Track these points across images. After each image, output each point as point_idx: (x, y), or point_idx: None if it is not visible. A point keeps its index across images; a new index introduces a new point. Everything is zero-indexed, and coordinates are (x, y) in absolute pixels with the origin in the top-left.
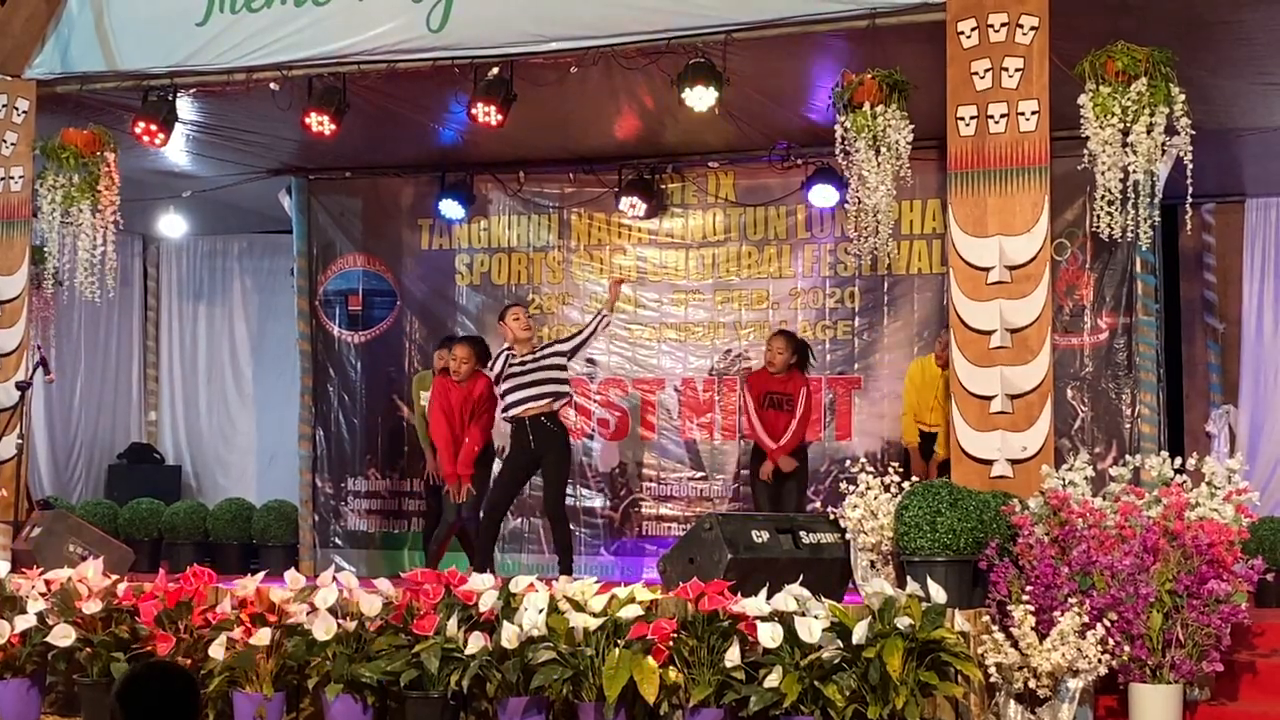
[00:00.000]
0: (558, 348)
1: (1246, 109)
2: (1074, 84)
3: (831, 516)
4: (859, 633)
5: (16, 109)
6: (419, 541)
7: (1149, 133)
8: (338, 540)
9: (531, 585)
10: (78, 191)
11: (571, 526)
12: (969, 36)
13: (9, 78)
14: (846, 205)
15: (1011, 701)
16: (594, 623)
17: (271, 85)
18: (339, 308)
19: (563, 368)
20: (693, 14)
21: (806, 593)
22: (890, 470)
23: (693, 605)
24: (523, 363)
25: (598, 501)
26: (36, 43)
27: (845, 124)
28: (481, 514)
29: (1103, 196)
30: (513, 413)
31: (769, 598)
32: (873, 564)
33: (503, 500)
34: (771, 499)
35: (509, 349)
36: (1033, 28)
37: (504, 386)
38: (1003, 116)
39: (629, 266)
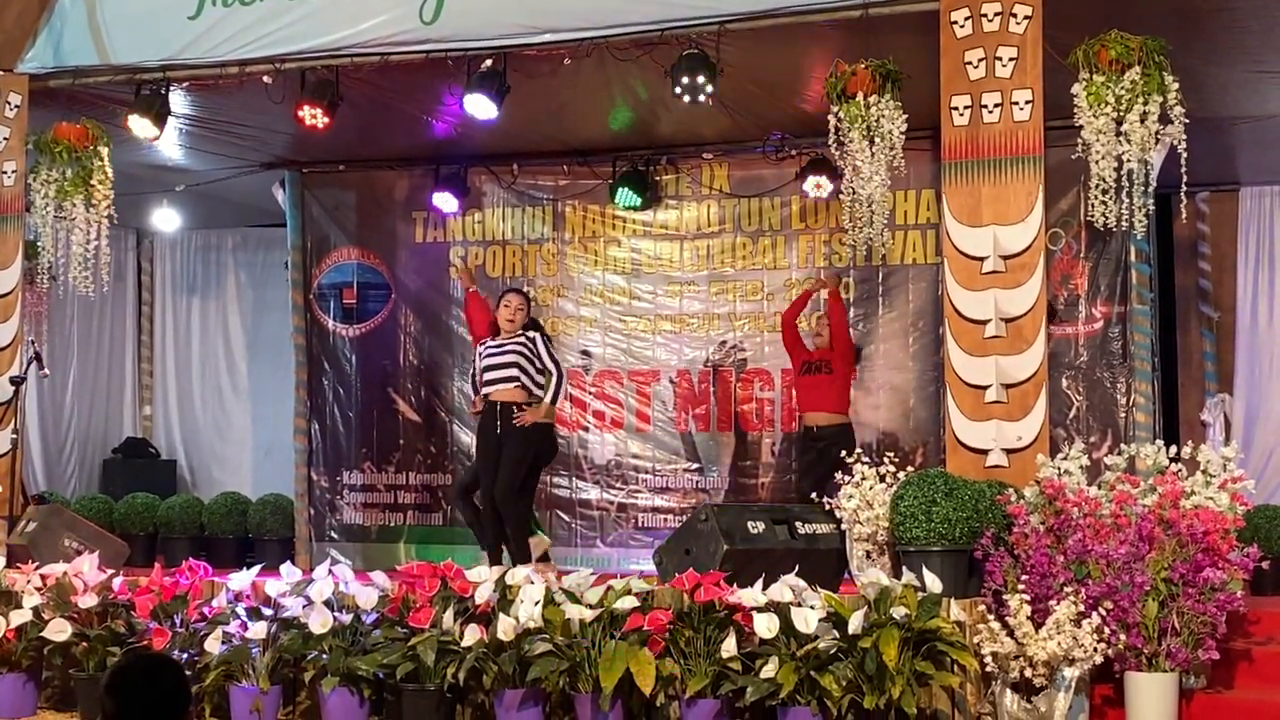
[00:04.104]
0: (532, 341)
1: (1240, 97)
2: (1068, 73)
3: (827, 507)
4: (855, 623)
5: (9, 103)
6: (414, 535)
7: (1143, 121)
8: (333, 534)
9: (528, 577)
10: (71, 186)
11: (567, 518)
12: (962, 26)
13: (1, 72)
14: (841, 196)
15: (1007, 690)
16: (590, 614)
17: (264, 78)
18: (333, 301)
19: (528, 352)
20: (686, 5)
21: (802, 583)
22: (886, 460)
23: (689, 596)
24: (500, 346)
25: (593, 494)
26: (28, 37)
27: (839, 114)
28: (478, 504)
29: (1097, 185)
30: (485, 393)
31: (765, 588)
32: (868, 554)
33: (489, 490)
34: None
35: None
36: (1026, 17)
37: (480, 369)
38: (996, 106)
39: (623, 258)
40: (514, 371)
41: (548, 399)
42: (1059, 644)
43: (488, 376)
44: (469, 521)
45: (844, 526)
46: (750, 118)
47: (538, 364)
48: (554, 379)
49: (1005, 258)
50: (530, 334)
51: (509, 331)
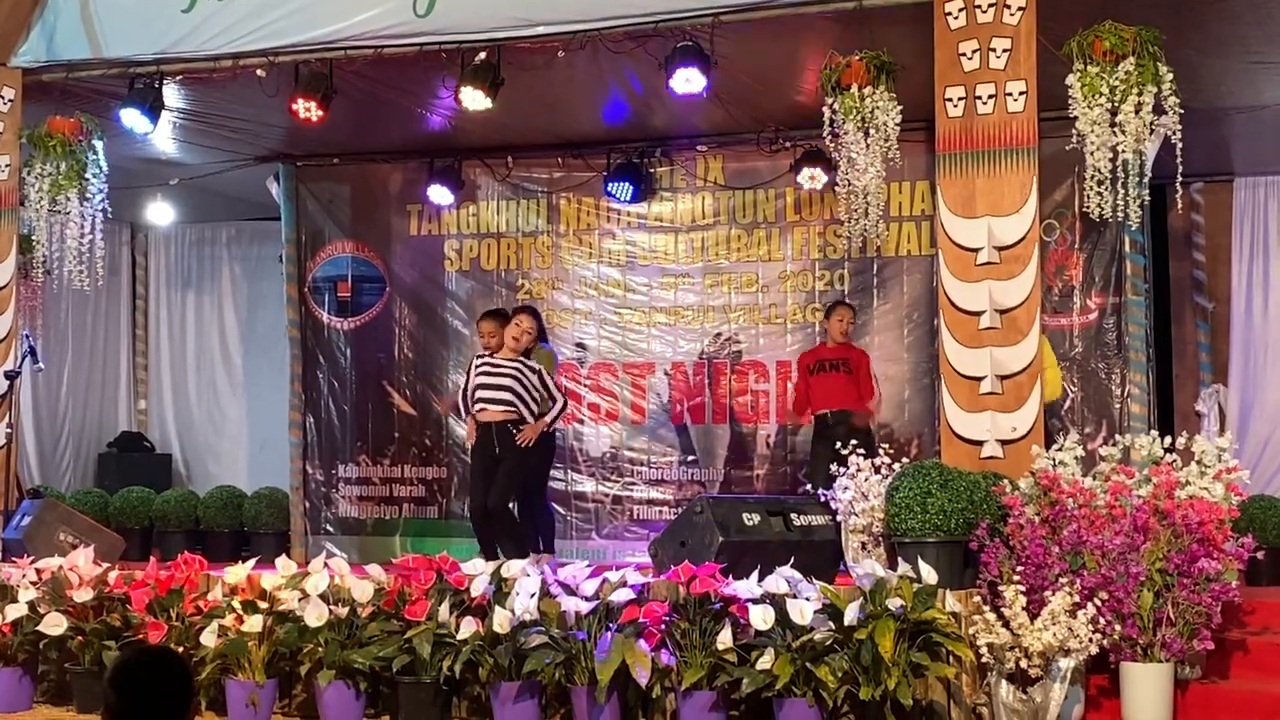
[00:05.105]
0: (534, 373)
1: (1234, 88)
2: (1062, 64)
3: (822, 498)
4: (850, 614)
5: (2, 97)
6: (410, 528)
7: (1137, 112)
8: (329, 527)
9: (524, 570)
10: (65, 180)
11: (563, 511)
12: (956, 17)
13: None
14: (835, 187)
15: (1003, 681)
16: (586, 607)
17: (258, 71)
18: (328, 294)
19: (526, 382)
20: None
21: (798, 575)
22: (881, 451)
23: (684, 588)
24: (497, 366)
25: (589, 486)
26: (21, 31)
27: (833, 106)
28: (470, 517)
29: (1091, 176)
30: (475, 411)
31: (760, 580)
32: (864, 545)
33: (481, 500)
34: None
35: (489, 353)
36: (1020, 8)
37: (473, 386)
38: (990, 97)
39: (618, 251)
40: (508, 395)
41: (547, 420)
42: (1054, 635)
43: (480, 395)
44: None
45: (839, 518)
46: (744, 110)
47: (535, 392)
48: (556, 407)
49: (1000, 249)
50: (533, 364)
51: (512, 350)
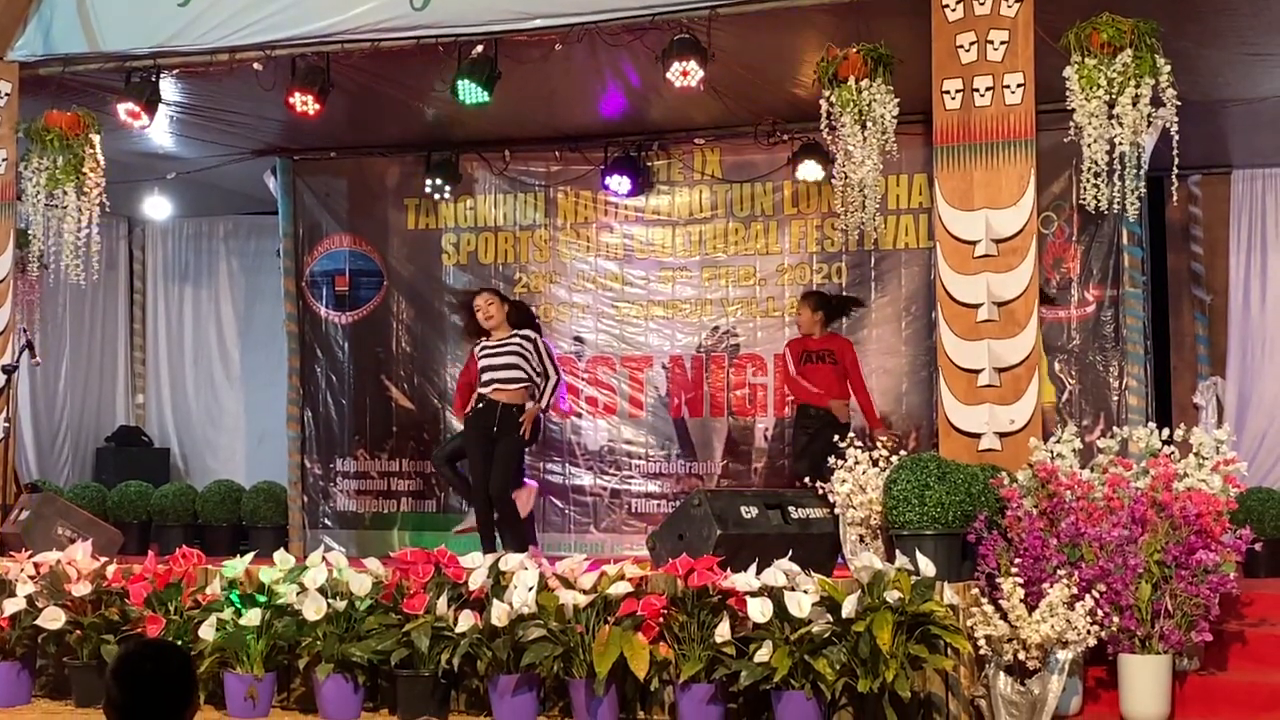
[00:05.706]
0: (531, 343)
1: (1232, 80)
2: (1059, 56)
3: (820, 491)
4: (848, 607)
5: None
6: (408, 521)
7: (1134, 104)
8: (327, 521)
9: (522, 563)
10: (62, 174)
11: (560, 505)
12: (954, 9)
13: None
14: (833, 181)
15: (1001, 673)
16: (584, 600)
17: (255, 65)
18: (326, 288)
19: (529, 357)
20: None
21: (796, 568)
22: (879, 444)
23: (682, 581)
24: (497, 345)
25: (586, 480)
26: (18, 25)
27: (830, 99)
28: (473, 504)
29: (1089, 169)
30: (483, 391)
31: (758, 573)
32: (861, 538)
33: (484, 485)
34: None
35: (484, 336)
36: (1017, 0)
37: (481, 367)
38: (988, 90)
39: (616, 244)
40: (518, 374)
41: (542, 403)
42: (1052, 627)
43: (487, 376)
44: (451, 483)
45: (837, 511)
46: (742, 103)
47: (536, 366)
48: (550, 384)
49: (997, 241)
50: (530, 335)
51: (494, 327)
